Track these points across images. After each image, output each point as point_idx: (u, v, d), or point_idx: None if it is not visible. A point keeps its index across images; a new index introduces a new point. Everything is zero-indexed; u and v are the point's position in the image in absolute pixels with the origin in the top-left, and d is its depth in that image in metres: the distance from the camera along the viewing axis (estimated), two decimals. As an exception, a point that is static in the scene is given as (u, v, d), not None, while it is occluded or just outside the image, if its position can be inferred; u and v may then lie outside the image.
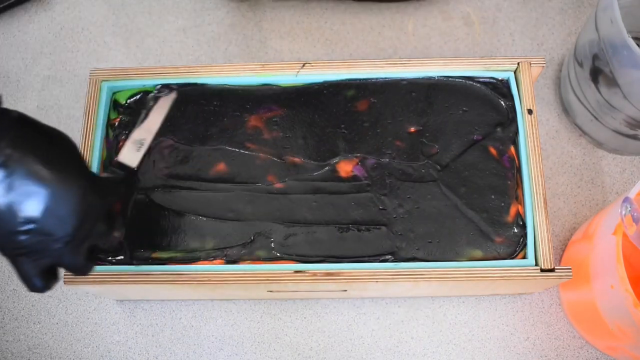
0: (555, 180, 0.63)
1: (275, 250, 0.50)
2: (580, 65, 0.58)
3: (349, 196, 0.52)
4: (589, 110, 0.59)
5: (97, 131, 0.54)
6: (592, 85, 0.56)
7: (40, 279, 0.39)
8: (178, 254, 0.51)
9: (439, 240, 0.50)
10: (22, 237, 0.36)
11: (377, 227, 0.51)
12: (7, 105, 0.69)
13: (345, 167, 0.52)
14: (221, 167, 0.53)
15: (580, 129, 0.63)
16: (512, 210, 0.51)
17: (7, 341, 0.61)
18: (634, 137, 0.58)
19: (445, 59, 0.55)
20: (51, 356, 0.60)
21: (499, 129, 0.53)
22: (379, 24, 0.70)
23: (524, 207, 0.50)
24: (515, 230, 0.50)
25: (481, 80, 0.54)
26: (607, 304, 0.49)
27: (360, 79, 0.55)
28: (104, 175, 0.49)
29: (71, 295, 0.62)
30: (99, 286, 0.50)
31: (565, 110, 0.64)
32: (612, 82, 0.53)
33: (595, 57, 0.55)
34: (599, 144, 0.63)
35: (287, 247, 0.50)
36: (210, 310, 0.60)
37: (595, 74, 0.55)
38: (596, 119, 0.59)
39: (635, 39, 0.64)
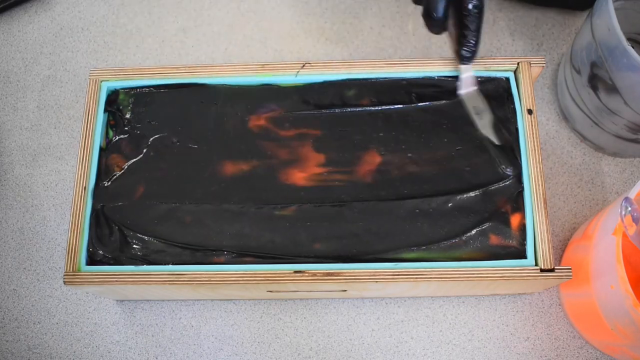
0: (555, 180, 0.63)
1: (274, 249, 0.50)
2: (578, 72, 0.58)
3: (349, 195, 0.52)
4: (588, 117, 0.59)
5: (97, 131, 0.54)
6: (592, 92, 0.56)
7: None
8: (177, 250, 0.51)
9: (438, 240, 0.50)
10: None
11: (377, 227, 0.51)
12: (6, 105, 0.69)
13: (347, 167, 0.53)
14: (220, 166, 0.53)
15: (580, 134, 0.63)
16: (512, 210, 0.51)
17: (7, 341, 0.61)
18: (635, 140, 0.58)
19: (445, 59, 0.55)
20: (51, 356, 0.60)
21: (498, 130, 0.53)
22: (379, 24, 0.70)
23: (523, 207, 0.50)
24: (516, 231, 0.50)
25: (481, 80, 0.54)
26: (607, 304, 0.49)
27: (360, 79, 0.55)
28: None
29: (71, 295, 0.62)
30: (99, 286, 0.50)
31: (565, 117, 0.64)
32: (612, 89, 0.53)
33: (593, 65, 0.54)
34: (599, 148, 0.62)
35: (287, 246, 0.50)
36: (210, 310, 0.60)
37: (594, 81, 0.55)
38: (596, 124, 0.59)
39: (630, 40, 0.64)
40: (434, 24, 0.50)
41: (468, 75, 0.53)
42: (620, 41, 0.48)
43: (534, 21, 0.69)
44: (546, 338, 0.58)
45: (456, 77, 0.54)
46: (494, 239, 0.50)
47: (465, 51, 0.51)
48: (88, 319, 0.61)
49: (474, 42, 0.50)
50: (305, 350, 0.59)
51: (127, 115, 0.55)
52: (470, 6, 0.48)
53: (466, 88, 0.54)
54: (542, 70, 0.56)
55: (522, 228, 0.50)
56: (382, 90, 0.54)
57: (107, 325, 0.61)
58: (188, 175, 0.53)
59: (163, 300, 0.61)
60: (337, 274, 0.49)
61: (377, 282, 0.49)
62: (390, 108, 0.54)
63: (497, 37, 0.68)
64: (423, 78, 0.55)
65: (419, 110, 0.54)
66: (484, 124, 0.53)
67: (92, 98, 0.55)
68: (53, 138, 0.68)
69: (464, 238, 0.50)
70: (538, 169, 0.51)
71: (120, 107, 0.55)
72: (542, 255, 0.48)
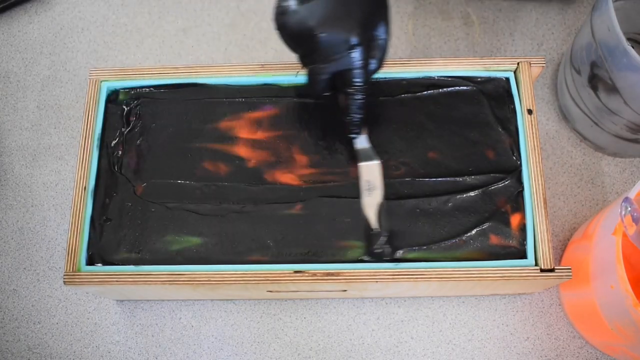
0: (555, 180, 0.63)
1: (273, 250, 0.50)
2: (578, 72, 0.58)
3: (350, 195, 0.52)
4: (588, 116, 0.59)
5: (96, 131, 0.54)
6: (592, 92, 0.56)
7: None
8: (178, 248, 0.51)
9: (438, 240, 0.50)
10: None
11: (378, 226, 0.51)
12: (6, 105, 0.69)
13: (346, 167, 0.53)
14: (219, 166, 0.53)
15: (580, 134, 0.63)
16: (512, 210, 0.50)
17: (7, 341, 0.61)
18: (635, 140, 0.58)
19: (445, 59, 0.55)
20: (51, 356, 0.60)
21: (498, 130, 0.53)
22: (379, 24, 0.70)
23: (523, 207, 0.50)
24: (516, 231, 0.50)
25: (481, 80, 0.54)
26: (607, 304, 0.49)
27: (360, 79, 0.55)
28: None
29: (71, 295, 0.62)
30: (99, 286, 0.50)
31: (565, 117, 0.64)
32: (612, 89, 0.53)
33: (593, 65, 0.54)
34: (599, 148, 0.62)
35: (286, 246, 0.50)
36: (210, 310, 0.60)
37: (594, 81, 0.55)
38: (596, 124, 0.59)
39: (630, 40, 0.64)
40: (316, 97, 0.51)
41: (364, 147, 0.51)
42: (620, 41, 0.48)
43: (534, 21, 0.69)
44: (546, 338, 0.58)
45: (457, 77, 0.54)
46: (494, 239, 0.50)
47: (351, 126, 0.50)
48: (88, 319, 0.61)
49: (357, 118, 0.50)
50: (305, 350, 0.59)
51: (127, 115, 0.55)
52: (352, 89, 0.48)
53: (365, 160, 0.52)
54: (542, 70, 0.56)
55: (522, 228, 0.50)
56: (381, 90, 0.54)
57: (107, 325, 0.61)
58: (188, 175, 0.53)
59: (163, 300, 0.61)
60: (337, 274, 0.49)
61: (377, 282, 0.49)
62: (389, 108, 0.54)
63: (497, 37, 0.68)
64: (423, 78, 0.55)
65: (419, 110, 0.54)
66: (370, 202, 0.50)
67: (92, 98, 0.55)
68: (53, 138, 0.68)
69: (464, 238, 0.50)
70: (538, 169, 0.51)
71: (121, 107, 0.55)
72: (542, 255, 0.48)
